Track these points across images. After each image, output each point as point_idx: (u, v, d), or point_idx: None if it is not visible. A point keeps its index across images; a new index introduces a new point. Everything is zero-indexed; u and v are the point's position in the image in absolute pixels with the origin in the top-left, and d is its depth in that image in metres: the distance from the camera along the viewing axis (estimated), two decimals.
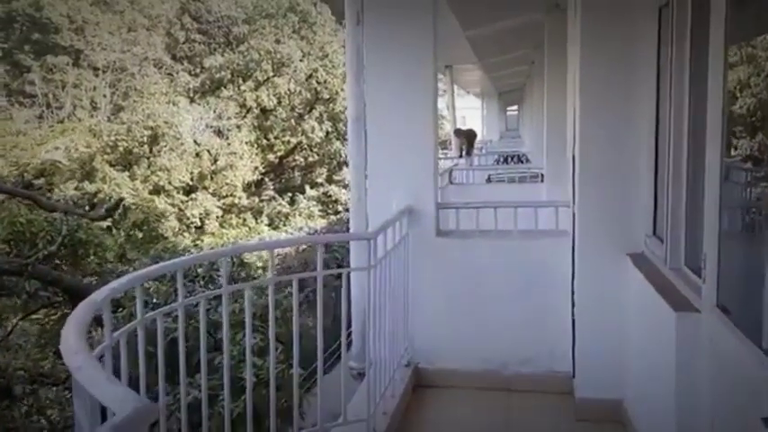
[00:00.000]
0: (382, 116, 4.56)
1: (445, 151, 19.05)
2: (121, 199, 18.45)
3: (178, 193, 22.65)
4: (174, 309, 2.82)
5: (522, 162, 13.69)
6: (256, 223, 24.66)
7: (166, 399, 2.88)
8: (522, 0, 7.55)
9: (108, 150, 21.84)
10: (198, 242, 18.74)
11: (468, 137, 13.92)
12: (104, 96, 31.89)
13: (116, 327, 2.31)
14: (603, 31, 3.83)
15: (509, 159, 14.29)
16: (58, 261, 12.00)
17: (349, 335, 4.15)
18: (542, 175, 8.98)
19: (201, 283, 7.60)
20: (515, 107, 27.50)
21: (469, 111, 34.59)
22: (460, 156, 13.23)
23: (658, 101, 3.53)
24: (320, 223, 26.33)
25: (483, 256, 4.58)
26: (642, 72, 3.70)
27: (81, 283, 11.39)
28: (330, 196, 26.86)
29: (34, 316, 11.93)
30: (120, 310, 5.82)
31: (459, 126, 15.81)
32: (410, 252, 4.46)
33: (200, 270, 7.76)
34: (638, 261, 3.65)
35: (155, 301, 7.44)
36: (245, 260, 12.65)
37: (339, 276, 4.18)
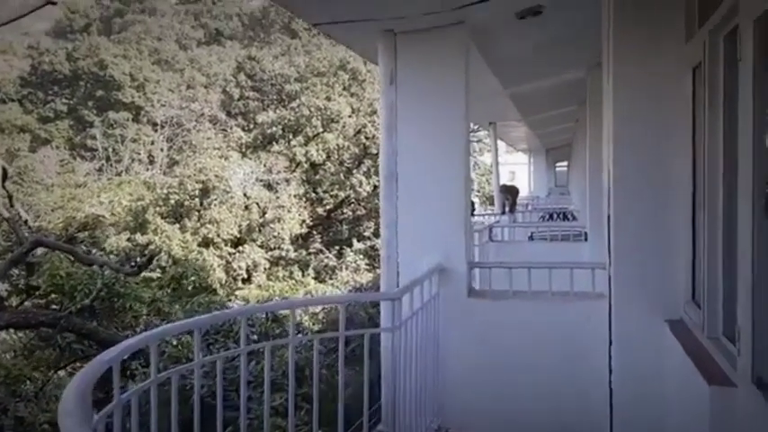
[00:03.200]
0: (414, 174, 4.56)
1: (491, 207, 18.94)
2: (155, 255, 18.76)
3: (226, 245, 23.02)
4: (191, 368, 2.79)
5: (568, 219, 13.44)
6: (303, 276, 24.75)
7: None
8: (563, 59, 7.53)
9: (160, 203, 22.47)
10: (232, 297, 18.85)
11: (511, 193, 13.79)
12: (161, 150, 33.09)
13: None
14: (636, 90, 3.77)
15: (555, 216, 14.05)
16: (95, 314, 12.22)
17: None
18: (586, 234, 8.78)
19: (233, 339, 7.63)
20: (565, 163, 27.26)
21: (519, 166, 34.56)
22: (503, 212, 13.08)
23: (695, 161, 3.43)
24: (366, 277, 26.28)
25: (516, 317, 4.46)
26: (677, 131, 3.61)
27: (116, 335, 11.55)
28: (377, 250, 26.82)
29: (70, 368, 12.10)
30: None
31: (504, 182, 15.72)
32: (440, 312, 4.38)
33: (234, 326, 7.80)
34: (677, 328, 3.48)
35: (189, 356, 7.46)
36: (280, 315, 12.62)
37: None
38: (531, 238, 10.15)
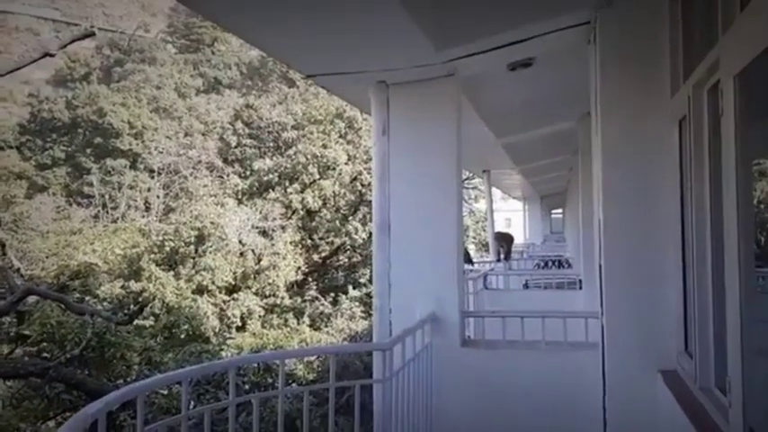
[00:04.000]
0: (407, 223, 4.58)
1: (487, 254, 18.90)
2: (146, 303, 18.59)
3: (221, 292, 22.83)
4: (178, 420, 2.75)
5: (563, 267, 13.40)
6: (298, 324, 24.48)
7: None
8: (554, 109, 7.65)
9: (155, 250, 22.36)
10: (224, 346, 18.58)
11: (506, 240, 13.79)
12: (157, 197, 33.19)
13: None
14: (624, 143, 3.81)
15: (550, 264, 14.01)
16: (86, 363, 12.07)
17: None
18: (580, 282, 8.77)
19: (224, 390, 7.53)
20: (560, 210, 27.39)
21: (514, 213, 34.68)
22: (498, 260, 13.05)
23: (683, 212, 3.46)
24: (362, 325, 26.02)
25: (510, 367, 4.42)
26: (665, 183, 3.64)
27: (106, 386, 11.37)
28: (372, 297, 26.63)
29: (60, 418, 11.87)
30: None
31: (500, 229, 15.74)
32: (433, 362, 4.34)
33: (225, 376, 7.72)
34: (670, 379, 3.45)
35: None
36: (273, 365, 12.44)
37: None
38: (525, 286, 10.11)
